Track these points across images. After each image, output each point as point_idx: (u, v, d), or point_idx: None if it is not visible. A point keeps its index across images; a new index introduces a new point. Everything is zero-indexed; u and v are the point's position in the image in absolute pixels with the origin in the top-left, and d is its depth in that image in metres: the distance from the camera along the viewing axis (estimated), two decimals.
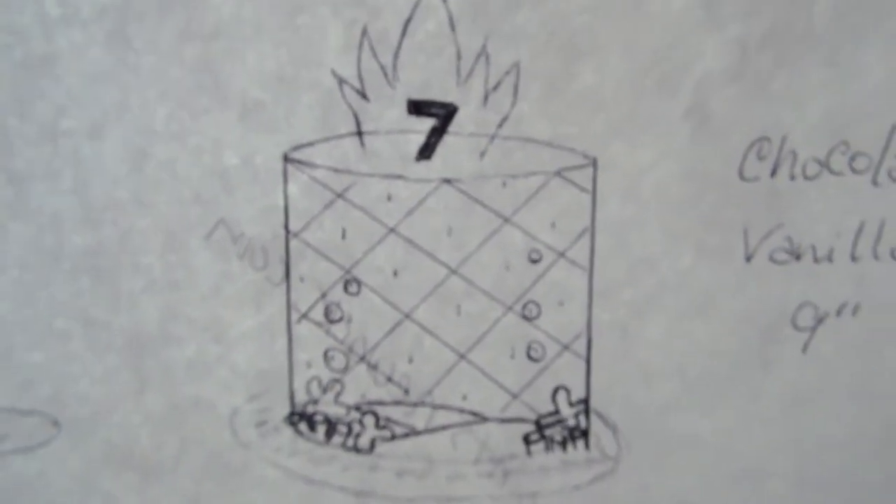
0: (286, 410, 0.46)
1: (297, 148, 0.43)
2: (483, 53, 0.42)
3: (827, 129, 0.42)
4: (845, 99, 0.42)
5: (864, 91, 0.42)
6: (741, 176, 0.43)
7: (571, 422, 0.45)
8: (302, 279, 0.44)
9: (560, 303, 0.44)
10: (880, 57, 0.42)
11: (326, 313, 0.45)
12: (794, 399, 0.45)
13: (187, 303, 0.45)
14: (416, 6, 0.42)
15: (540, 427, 0.45)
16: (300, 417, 0.46)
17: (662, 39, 0.42)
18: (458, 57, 0.42)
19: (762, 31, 0.42)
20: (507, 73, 0.42)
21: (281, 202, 0.44)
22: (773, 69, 0.42)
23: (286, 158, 0.43)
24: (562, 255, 0.44)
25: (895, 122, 0.42)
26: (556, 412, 0.45)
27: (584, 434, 0.46)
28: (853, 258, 0.44)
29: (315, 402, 0.46)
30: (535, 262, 0.44)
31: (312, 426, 0.46)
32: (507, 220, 0.44)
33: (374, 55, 0.42)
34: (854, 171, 0.43)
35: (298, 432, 0.46)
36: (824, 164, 0.43)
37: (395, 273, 0.44)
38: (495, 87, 0.42)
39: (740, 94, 0.42)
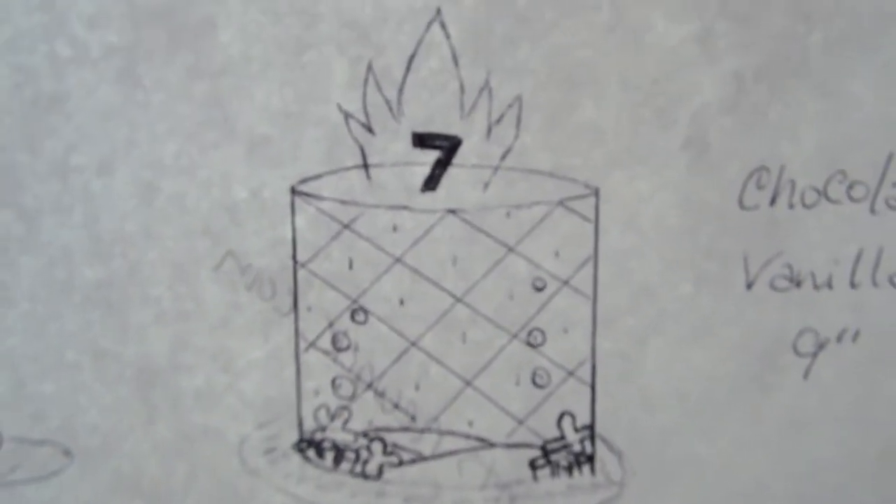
0: (294, 438, 0.50)
1: (305, 181, 0.47)
2: (486, 87, 0.47)
3: (824, 159, 0.47)
4: (841, 129, 0.47)
5: (859, 121, 0.47)
6: (741, 205, 0.47)
7: (577, 447, 0.50)
8: (309, 309, 0.49)
9: (564, 330, 0.49)
10: (874, 87, 0.47)
11: (334, 342, 0.49)
12: (795, 424, 0.50)
13: (196, 333, 0.49)
14: (419, 43, 0.46)
15: (546, 452, 0.50)
16: (308, 444, 0.50)
17: (660, 73, 0.46)
18: (462, 91, 0.47)
19: (757, 64, 0.46)
20: (510, 106, 0.47)
21: (289, 234, 0.48)
22: (769, 101, 0.47)
23: (294, 191, 0.47)
24: (566, 283, 0.48)
25: (891, 151, 0.47)
26: (562, 438, 0.50)
27: (590, 459, 0.50)
28: (852, 285, 0.48)
29: (323, 429, 0.50)
30: (539, 290, 0.49)
31: (321, 453, 0.50)
32: (511, 249, 0.48)
33: (380, 90, 0.47)
34: (852, 199, 0.47)
35: (307, 459, 0.50)
36: (822, 193, 0.47)
37: (402, 302, 0.49)
38: (498, 120, 0.47)
39: (737, 125, 0.47)
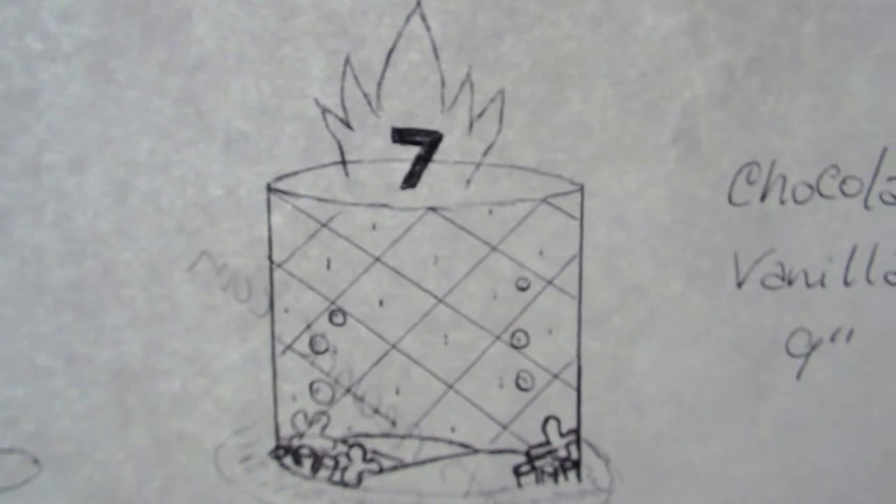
0: (271, 444, 0.51)
1: (281, 178, 0.48)
2: (467, 81, 0.47)
3: (816, 153, 0.48)
4: (834, 123, 0.47)
5: (853, 115, 0.47)
6: (730, 201, 0.48)
7: (562, 453, 0.50)
8: (286, 310, 0.49)
9: (549, 331, 0.49)
10: (867, 81, 0.47)
11: (311, 345, 0.49)
12: (788, 426, 0.50)
13: (171, 336, 0.49)
14: (399, 35, 0.47)
15: (530, 458, 0.50)
16: (286, 451, 0.51)
17: (649, 66, 0.47)
18: (443, 85, 0.47)
19: (749, 57, 0.47)
20: (492, 100, 0.47)
21: (265, 233, 0.48)
22: (761, 94, 0.47)
23: (270, 189, 0.48)
24: (550, 282, 0.49)
25: (885, 145, 0.48)
26: (547, 443, 0.50)
27: (576, 465, 0.50)
28: (846, 283, 0.49)
29: (301, 435, 0.50)
30: (522, 290, 0.49)
31: (298, 460, 0.51)
32: (494, 248, 0.48)
33: (358, 84, 0.47)
34: (845, 194, 0.48)
35: (284, 467, 0.51)
36: (815, 188, 0.48)
37: (381, 303, 0.49)
38: (480, 115, 0.47)
39: (728, 119, 0.47)
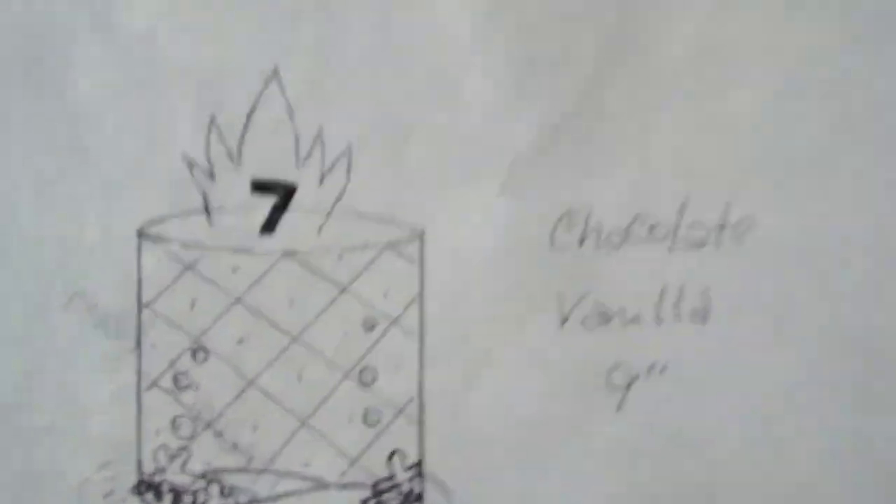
0: (134, 479, 0.54)
1: (151, 223, 0.54)
2: (319, 137, 0.54)
3: (627, 202, 0.55)
4: (641, 173, 0.55)
5: (657, 165, 0.55)
6: (553, 246, 0.54)
7: (406, 487, 0.54)
8: (153, 347, 0.54)
9: (395, 368, 0.54)
10: (669, 134, 0.55)
11: (175, 381, 0.54)
12: (613, 457, 0.55)
13: (42, 371, 0.54)
14: (258, 96, 0.54)
15: (376, 492, 0.54)
16: (148, 487, 0.55)
17: (478, 122, 0.54)
18: (297, 140, 0.54)
19: (565, 112, 0.54)
20: (342, 154, 0.54)
21: (135, 274, 0.54)
22: (576, 147, 0.54)
23: (140, 234, 0.54)
24: (394, 322, 0.54)
25: (687, 194, 0.54)
26: (392, 477, 0.54)
27: (419, 498, 0.54)
28: (658, 320, 0.54)
29: (162, 470, 0.54)
30: (370, 329, 0.54)
31: (159, 496, 0.54)
32: (343, 289, 0.54)
33: (222, 140, 0.54)
34: (654, 239, 0.54)
35: (145, 502, 0.54)
36: (626, 234, 0.54)
37: (241, 341, 0.54)
38: (330, 168, 0.54)
39: (549, 170, 0.55)
